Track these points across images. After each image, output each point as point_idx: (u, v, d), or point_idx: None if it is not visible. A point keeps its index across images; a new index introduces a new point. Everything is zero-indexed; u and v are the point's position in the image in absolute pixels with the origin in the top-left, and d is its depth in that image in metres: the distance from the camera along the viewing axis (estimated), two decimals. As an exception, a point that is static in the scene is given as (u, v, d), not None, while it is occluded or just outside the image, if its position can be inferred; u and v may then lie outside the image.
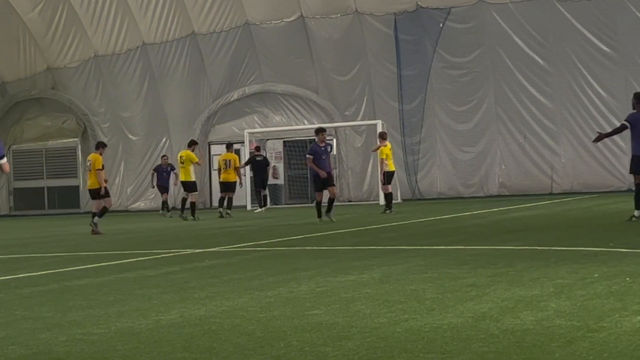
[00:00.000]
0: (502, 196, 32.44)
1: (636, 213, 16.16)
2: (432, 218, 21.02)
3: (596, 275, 8.74)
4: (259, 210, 30.52)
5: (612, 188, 31.26)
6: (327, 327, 6.51)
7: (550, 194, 32.01)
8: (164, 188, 30.95)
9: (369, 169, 34.77)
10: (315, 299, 8.02)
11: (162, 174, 30.94)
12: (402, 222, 19.76)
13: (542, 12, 32.08)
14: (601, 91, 31.87)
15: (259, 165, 30.78)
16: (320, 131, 21.59)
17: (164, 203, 30.92)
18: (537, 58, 32.34)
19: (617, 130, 17.29)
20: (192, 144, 27.18)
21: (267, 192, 31.60)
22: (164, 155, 32.53)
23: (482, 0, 32.20)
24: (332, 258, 11.98)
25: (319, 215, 21.15)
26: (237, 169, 28.11)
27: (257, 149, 31.87)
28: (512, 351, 5.43)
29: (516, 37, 32.11)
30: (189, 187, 26.65)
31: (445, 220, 20.32)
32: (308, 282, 9.35)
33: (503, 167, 33.42)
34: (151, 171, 32.48)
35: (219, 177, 28.30)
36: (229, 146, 29.68)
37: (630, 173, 17.14)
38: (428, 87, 33.56)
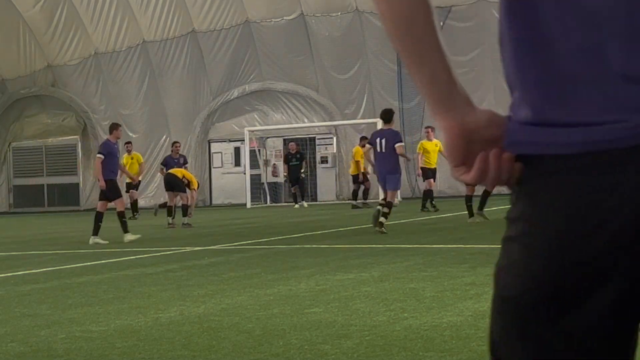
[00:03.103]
0: (502, 194, 32.43)
1: None
2: (432, 216, 21.01)
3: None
4: (296, 206, 30.68)
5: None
6: (326, 326, 6.51)
7: (550, 192, 31.99)
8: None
9: (369, 168, 34.74)
10: (314, 297, 8.02)
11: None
12: (401, 221, 19.75)
13: (543, 11, 32.10)
14: (602, 90, 31.90)
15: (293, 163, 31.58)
16: None
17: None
18: (537, 57, 32.35)
19: None
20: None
21: (296, 189, 31.73)
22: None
23: (482, -1, 32.26)
24: (332, 256, 11.99)
25: (472, 214, 18.68)
26: (357, 162, 29.30)
27: (292, 146, 32.21)
28: (511, 350, 5.42)
29: (516, 36, 32.12)
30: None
31: (444, 218, 20.31)
32: (307, 280, 9.36)
33: (503, 165, 33.44)
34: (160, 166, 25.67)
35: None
36: (361, 139, 30.26)
37: None
38: (428, 85, 33.58)
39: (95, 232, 17.12)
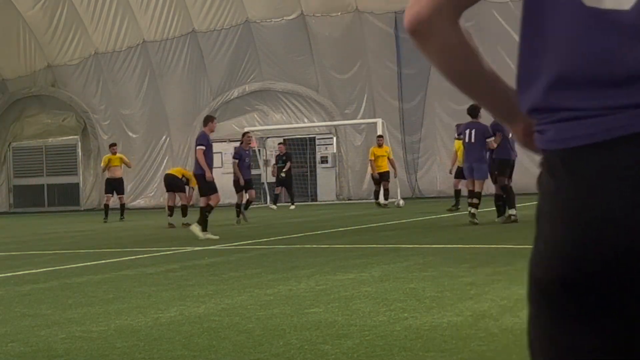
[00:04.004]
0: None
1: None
2: (432, 216, 21.02)
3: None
4: (272, 206, 30.30)
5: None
6: (327, 325, 6.51)
7: (550, 192, 31.93)
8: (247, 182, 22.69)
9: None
10: (314, 297, 8.02)
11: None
12: (401, 221, 19.76)
13: (543, 11, 32.08)
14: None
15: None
16: None
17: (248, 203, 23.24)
18: (537, 57, 32.32)
19: None
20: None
21: (280, 189, 31.45)
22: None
23: (482, -1, 32.29)
24: (332, 256, 11.99)
25: (500, 214, 18.58)
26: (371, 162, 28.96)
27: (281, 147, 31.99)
28: (511, 350, 5.43)
29: (516, 36, 32.07)
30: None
31: (444, 218, 20.32)
32: (307, 280, 9.36)
33: (503, 165, 33.42)
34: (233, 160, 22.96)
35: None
36: (378, 137, 29.91)
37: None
38: (428, 85, 33.54)
39: (204, 228, 16.46)
